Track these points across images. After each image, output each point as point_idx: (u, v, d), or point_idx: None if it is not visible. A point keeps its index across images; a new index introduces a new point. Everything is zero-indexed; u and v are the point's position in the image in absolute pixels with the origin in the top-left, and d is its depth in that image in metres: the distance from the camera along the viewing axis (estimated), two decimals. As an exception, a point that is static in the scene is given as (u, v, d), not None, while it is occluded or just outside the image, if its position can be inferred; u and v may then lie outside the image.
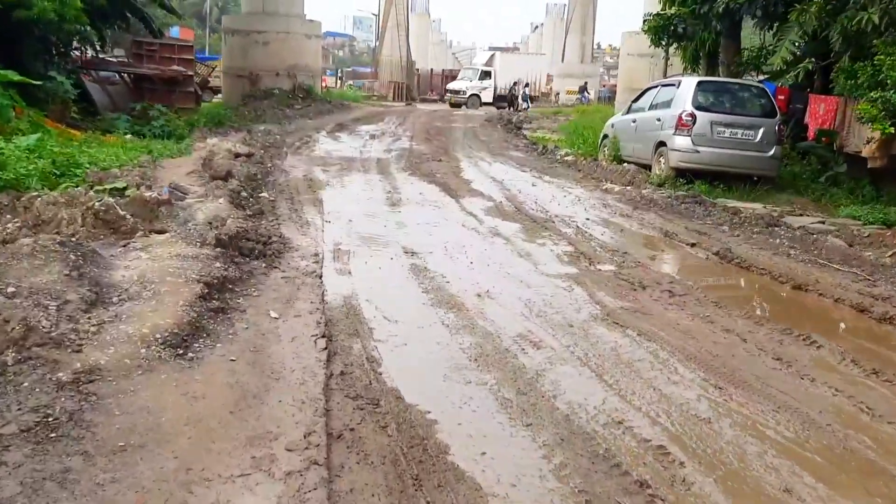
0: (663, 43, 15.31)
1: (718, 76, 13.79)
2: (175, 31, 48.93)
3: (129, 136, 13.55)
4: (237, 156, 10.67)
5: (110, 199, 6.02)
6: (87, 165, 8.67)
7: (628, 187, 10.80)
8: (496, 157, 14.91)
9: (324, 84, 34.73)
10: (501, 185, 11.02)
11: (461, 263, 6.51)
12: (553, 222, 8.43)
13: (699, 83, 10.99)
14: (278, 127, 18.95)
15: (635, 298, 5.50)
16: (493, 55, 41.00)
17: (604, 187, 10.92)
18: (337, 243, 6.94)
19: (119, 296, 4.33)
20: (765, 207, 9.75)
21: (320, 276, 5.69)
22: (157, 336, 3.79)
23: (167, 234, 5.82)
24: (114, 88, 16.91)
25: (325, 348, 4.11)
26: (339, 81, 54.55)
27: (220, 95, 28.33)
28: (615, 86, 63.33)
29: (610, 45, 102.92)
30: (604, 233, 8.06)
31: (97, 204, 5.80)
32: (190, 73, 16.68)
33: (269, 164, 11.48)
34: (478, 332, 4.66)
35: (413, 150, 15.59)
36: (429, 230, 7.87)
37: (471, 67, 41.36)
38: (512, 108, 37.39)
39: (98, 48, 19.07)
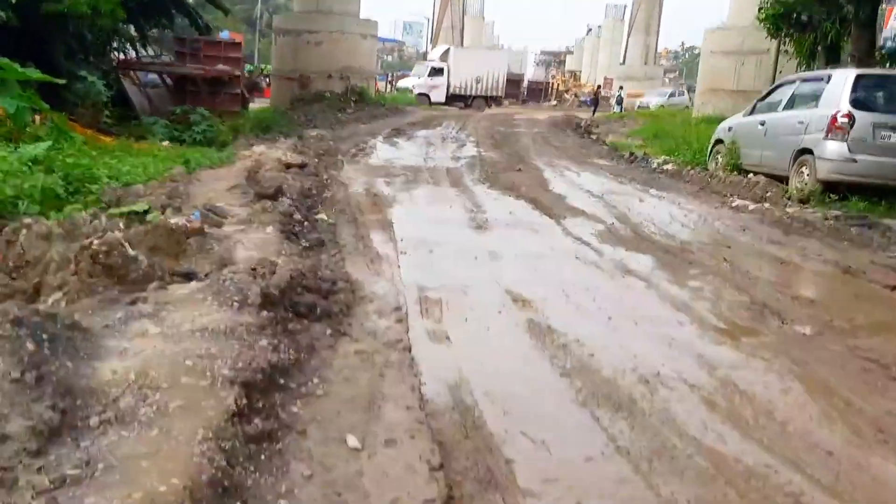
0: (782, 34, 13.22)
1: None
2: (225, 35, 48.17)
3: (165, 143, 12.06)
4: (288, 166, 8.99)
5: (116, 235, 4.31)
6: (107, 180, 7.06)
7: (764, 204, 8.79)
8: (581, 166, 13.00)
9: (376, 88, 33.13)
10: (603, 202, 9.12)
11: (596, 319, 4.67)
12: (692, 252, 6.51)
13: (858, 76, 8.88)
14: (331, 132, 17.34)
15: (907, 397, 3.56)
16: (447, 50, 37.93)
17: (732, 204, 8.92)
18: (421, 287, 5.14)
19: (100, 415, 2.58)
20: (951, 231, 7.67)
21: (409, 350, 3.89)
22: (149, 525, 2.01)
23: (193, 285, 4.08)
24: (154, 91, 15.46)
25: (452, 531, 2.28)
26: (389, 86, 53.11)
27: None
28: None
29: (666, 49, 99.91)
30: (763, 268, 6.12)
31: (96, 243, 4.09)
32: (237, 72, 15.12)
33: (325, 176, 9.76)
34: (685, 471, 2.80)
35: (483, 157, 13.78)
36: (533, 265, 6.03)
37: (424, 63, 38.37)
38: (594, 112, 35.19)
39: (140, 47, 17.74)
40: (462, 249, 6.44)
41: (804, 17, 12.09)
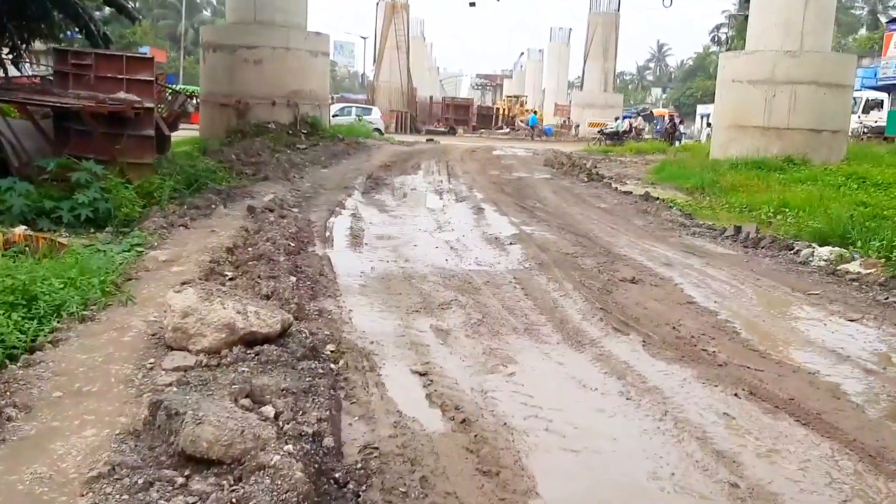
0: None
1: None
2: (146, 52, 41.62)
3: (21, 230, 6.88)
4: (249, 344, 3.95)
5: None
6: None
7: None
8: (700, 258, 8.28)
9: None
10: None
11: None
12: None
13: None
14: (289, 188, 12.25)
15: None
16: None
17: None
18: None
19: None
20: None
21: None
22: None
23: None
24: (25, 128, 10.02)
25: None
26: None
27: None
28: (652, 114, 54.73)
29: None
30: None
31: None
32: (149, 104, 9.85)
33: (333, 359, 4.71)
34: None
35: (537, 241, 8.93)
36: None
37: None
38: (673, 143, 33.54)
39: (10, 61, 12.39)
40: None
41: None
